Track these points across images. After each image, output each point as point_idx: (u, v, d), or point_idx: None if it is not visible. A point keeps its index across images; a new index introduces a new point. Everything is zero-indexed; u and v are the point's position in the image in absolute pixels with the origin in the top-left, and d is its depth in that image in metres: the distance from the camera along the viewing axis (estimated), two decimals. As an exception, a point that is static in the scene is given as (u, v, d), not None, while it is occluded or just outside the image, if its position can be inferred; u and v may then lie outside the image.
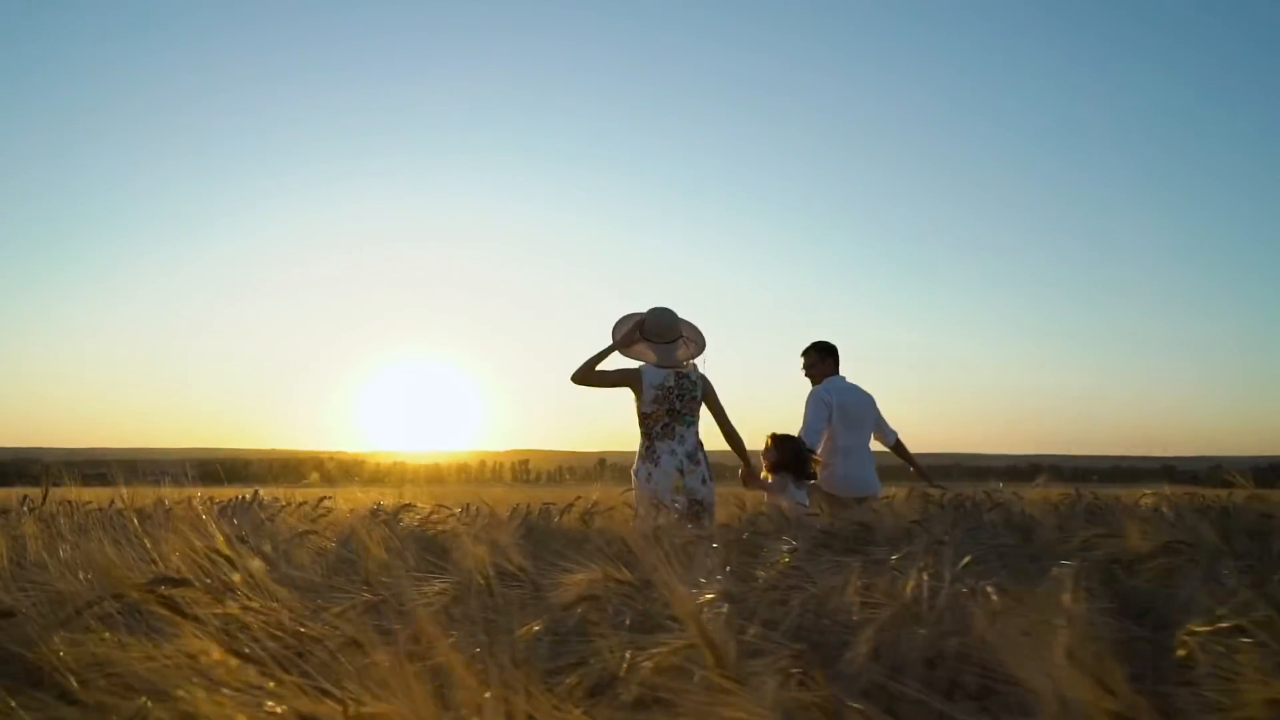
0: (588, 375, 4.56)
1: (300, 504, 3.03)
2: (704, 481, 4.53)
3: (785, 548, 1.59)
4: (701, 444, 4.61)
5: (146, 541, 1.32)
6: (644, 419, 4.58)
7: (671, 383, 4.55)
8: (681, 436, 4.52)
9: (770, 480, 4.83)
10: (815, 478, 4.94)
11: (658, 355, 4.62)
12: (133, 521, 1.89)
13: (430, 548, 1.95)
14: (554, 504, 3.24)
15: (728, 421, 4.70)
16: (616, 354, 4.67)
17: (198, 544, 1.23)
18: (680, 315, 4.74)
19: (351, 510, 2.79)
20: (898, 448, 5.62)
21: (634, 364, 4.66)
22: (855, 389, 5.46)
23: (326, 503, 3.06)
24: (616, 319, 4.77)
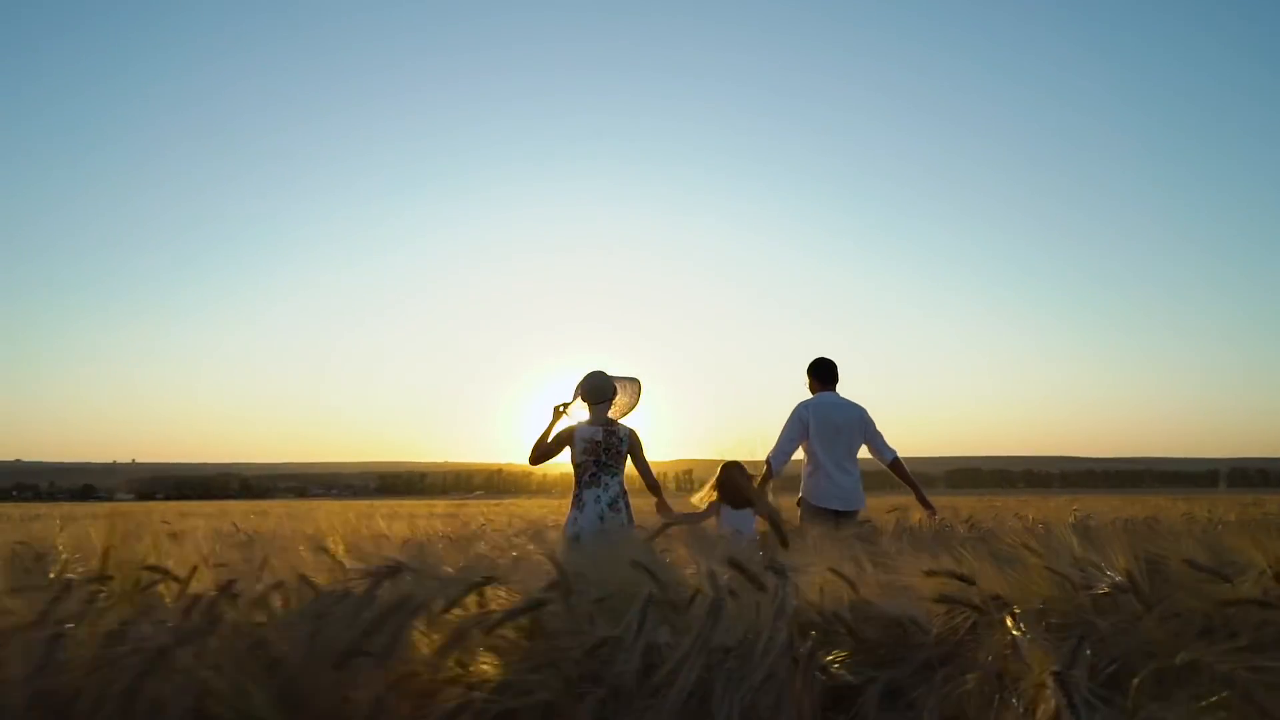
0: (541, 455, 5.36)
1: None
2: (622, 526, 5.08)
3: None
4: (625, 493, 5.28)
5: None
6: (576, 469, 5.31)
7: (600, 438, 5.27)
8: (606, 485, 5.20)
9: (703, 509, 5.11)
10: (753, 503, 4.97)
11: (591, 414, 5.38)
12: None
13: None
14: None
15: (648, 473, 5.46)
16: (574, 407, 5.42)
17: None
18: (617, 376, 5.43)
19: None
20: (895, 466, 5.68)
21: (575, 421, 5.41)
22: (842, 404, 5.61)
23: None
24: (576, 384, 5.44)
